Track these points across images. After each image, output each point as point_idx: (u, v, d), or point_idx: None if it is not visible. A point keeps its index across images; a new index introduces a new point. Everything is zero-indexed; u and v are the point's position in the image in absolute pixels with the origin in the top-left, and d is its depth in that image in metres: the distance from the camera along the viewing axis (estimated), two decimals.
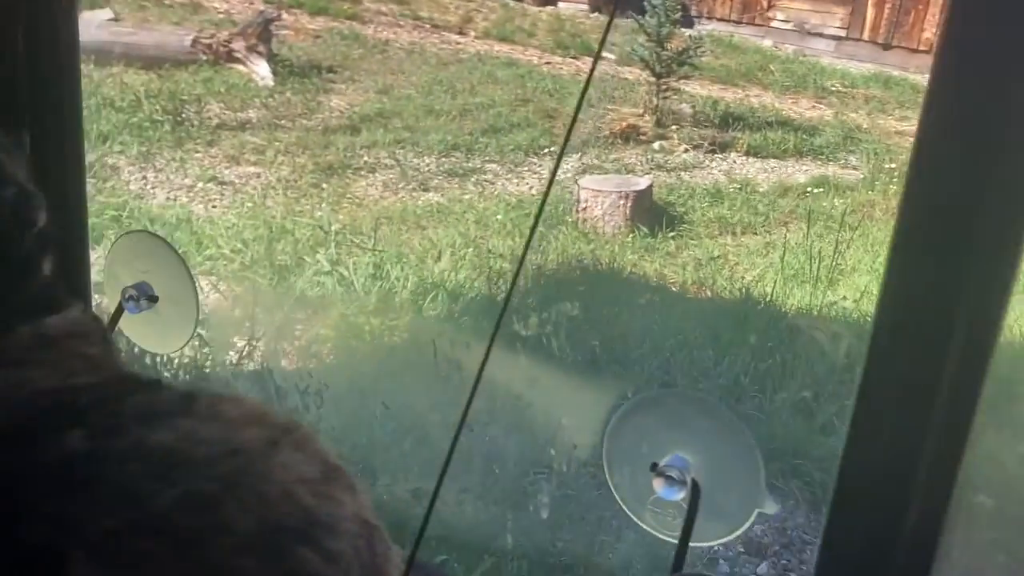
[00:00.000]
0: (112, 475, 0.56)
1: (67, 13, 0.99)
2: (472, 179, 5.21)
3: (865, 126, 6.06)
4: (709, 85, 6.55)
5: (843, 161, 5.72)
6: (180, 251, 3.62)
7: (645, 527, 0.87)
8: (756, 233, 4.89)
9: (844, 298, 3.97)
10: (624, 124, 5.74)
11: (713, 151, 5.62)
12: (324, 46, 6.65)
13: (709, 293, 4.23)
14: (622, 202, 4.79)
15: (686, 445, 0.83)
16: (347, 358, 3.55)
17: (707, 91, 6.43)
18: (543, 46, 7.13)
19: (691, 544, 0.82)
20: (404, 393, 2.48)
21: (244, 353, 3.43)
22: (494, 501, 2.00)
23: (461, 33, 7.20)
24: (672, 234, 4.78)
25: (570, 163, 5.42)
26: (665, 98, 5.87)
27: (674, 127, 5.84)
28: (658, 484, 0.82)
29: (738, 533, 0.82)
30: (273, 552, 0.57)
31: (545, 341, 2.91)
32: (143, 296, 1.04)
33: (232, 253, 3.93)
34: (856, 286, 4.13)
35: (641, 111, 5.92)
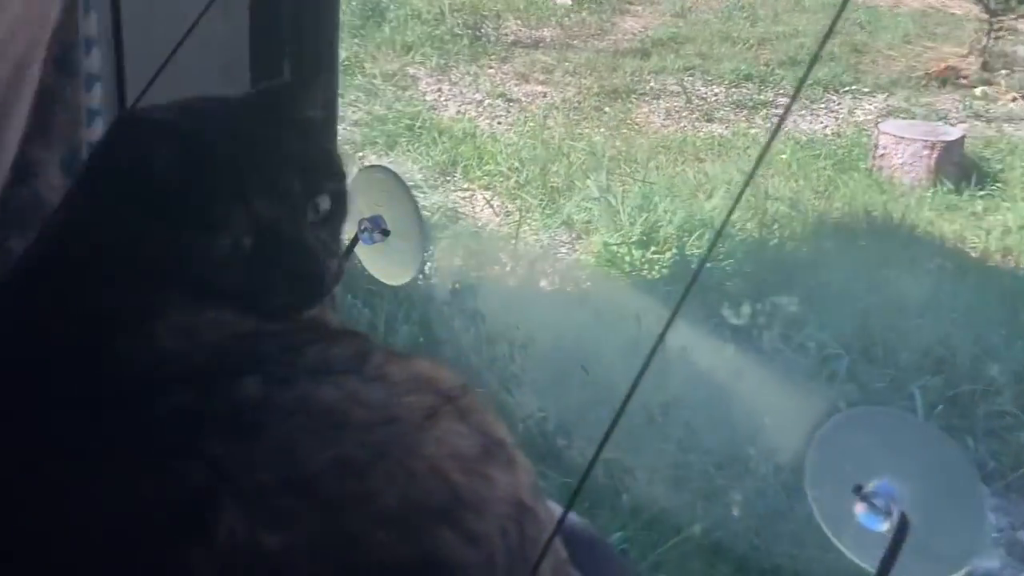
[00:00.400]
0: (275, 427, 0.58)
1: None
2: (761, 113, 4.94)
3: None
4: None
5: None
6: (461, 164, 3.76)
7: (843, 549, 0.78)
8: None
9: None
10: (943, 65, 5.17)
11: None
12: None
13: (1014, 263, 3.77)
14: (927, 152, 4.34)
15: (897, 471, 0.73)
16: (604, 285, 3.55)
17: None
18: None
19: None
20: (608, 358, 2.44)
21: (507, 271, 3.53)
22: (685, 488, 1.93)
23: None
24: (981, 193, 4.27)
25: (873, 104, 4.99)
26: (997, 38, 5.20)
27: (1003, 72, 5.18)
28: (860, 509, 0.73)
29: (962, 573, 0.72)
30: (412, 529, 0.57)
31: (755, 333, 2.73)
32: (376, 229, 1.08)
33: (509, 171, 4.03)
34: None
35: (965, 51, 5.29)
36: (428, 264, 2.91)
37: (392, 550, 0.56)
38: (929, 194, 4.23)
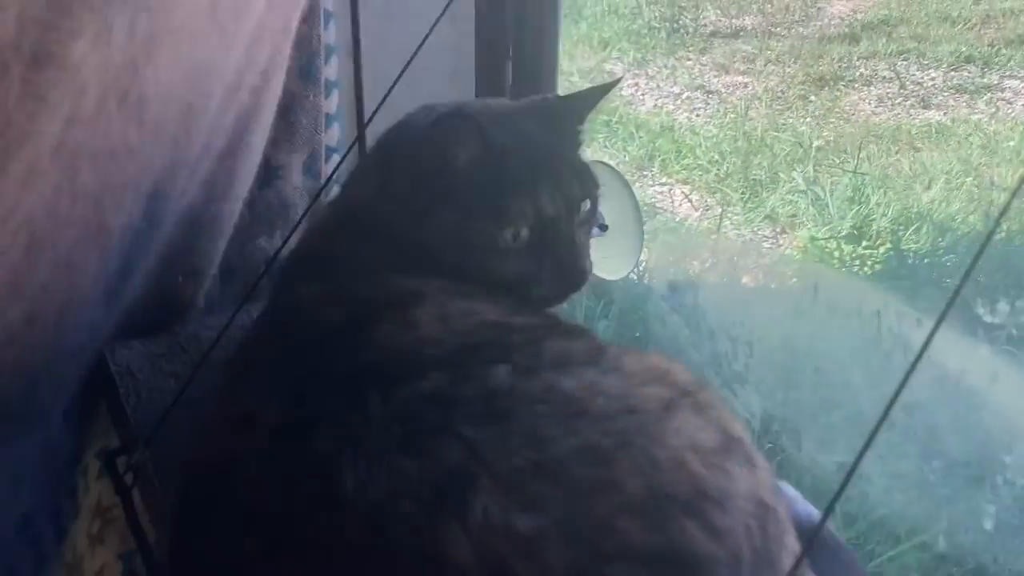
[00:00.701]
0: (524, 415, 0.61)
1: None
2: (985, 97, 4.58)
3: None
4: None
5: None
6: (659, 158, 3.72)
7: None
8: None
9: None
10: None
11: None
12: None
13: None
14: None
15: None
16: (811, 280, 3.41)
17: None
18: None
19: None
20: (841, 359, 2.32)
21: (707, 266, 3.46)
22: (929, 496, 1.80)
23: None
24: None
25: None
26: None
27: None
28: None
29: None
30: (657, 519, 0.57)
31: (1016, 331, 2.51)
32: (596, 224, 1.09)
33: (709, 164, 3.95)
34: None
35: None
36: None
37: (639, 538, 0.56)
38: None
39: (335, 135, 1.08)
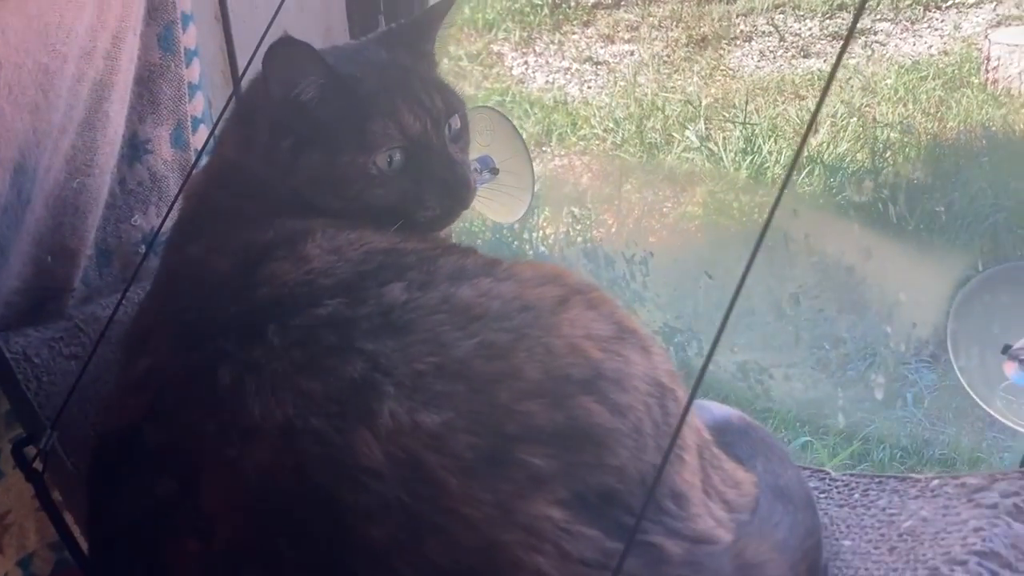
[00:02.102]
0: (421, 324, 0.63)
1: None
2: (860, 41, 4.76)
3: None
4: None
5: None
6: (556, 133, 3.78)
7: (994, 414, 0.77)
8: None
9: None
10: None
11: None
12: None
13: None
14: None
15: None
16: (715, 235, 3.51)
17: None
18: None
19: None
20: (730, 264, 2.41)
21: (613, 232, 3.53)
22: (824, 379, 1.91)
23: None
24: None
25: (980, 15, 4.75)
26: None
27: None
28: (1010, 369, 0.72)
29: None
30: (558, 399, 0.60)
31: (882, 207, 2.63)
32: (486, 168, 1.10)
33: (604, 132, 4.02)
34: None
35: None
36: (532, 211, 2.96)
37: (543, 417, 0.59)
38: None
39: (200, 105, 1.07)
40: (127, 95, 0.98)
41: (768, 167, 3.71)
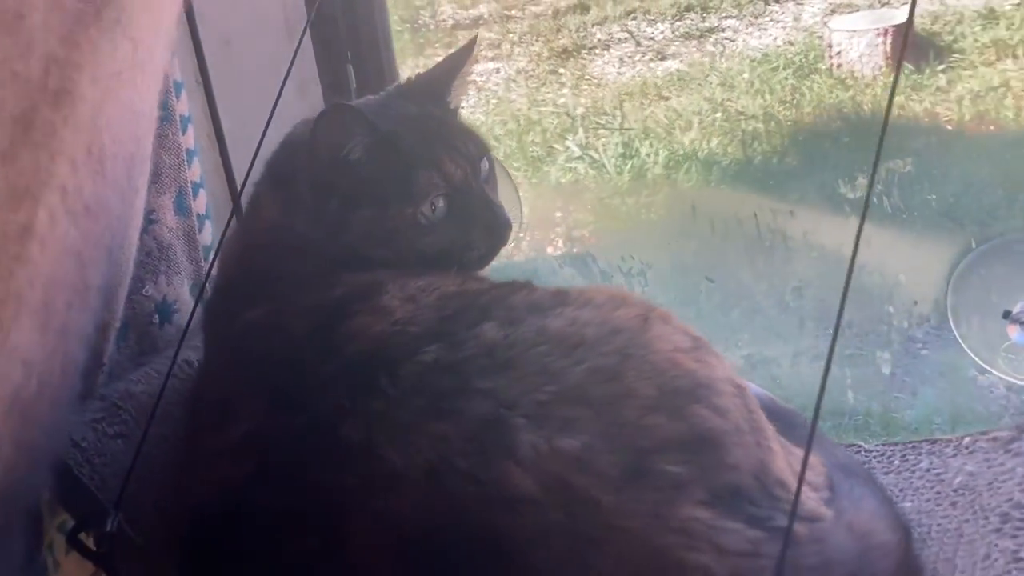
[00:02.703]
0: (527, 358, 0.67)
1: None
2: (711, 39, 5.03)
3: None
4: None
5: None
6: None
7: (998, 373, 0.87)
8: None
9: None
10: None
11: None
12: None
13: (992, 127, 3.89)
14: (880, 40, 4.45)
15: None
16: (607, 240, 3.64)
17: None
18: None
19: None
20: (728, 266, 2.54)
21: (511, 246, 3.60)
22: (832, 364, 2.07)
23: None
24: (941, 67, 4.39)
25: (816, 6, 5.10)
26: None
27: None
28: (1013, 331, 0.82)
29: None
30: (674, 410, 0.65)
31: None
32: None
33: None
34: None
35: None
36: None
37: (667, 429, 0.64)
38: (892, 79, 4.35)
39: (197, 170, 1.07)
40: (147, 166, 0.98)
41: (648, 168, 3.87)
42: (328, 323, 0.74)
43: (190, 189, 1.01)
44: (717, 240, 2.86)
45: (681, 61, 4.81)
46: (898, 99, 4.27)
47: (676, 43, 4.97)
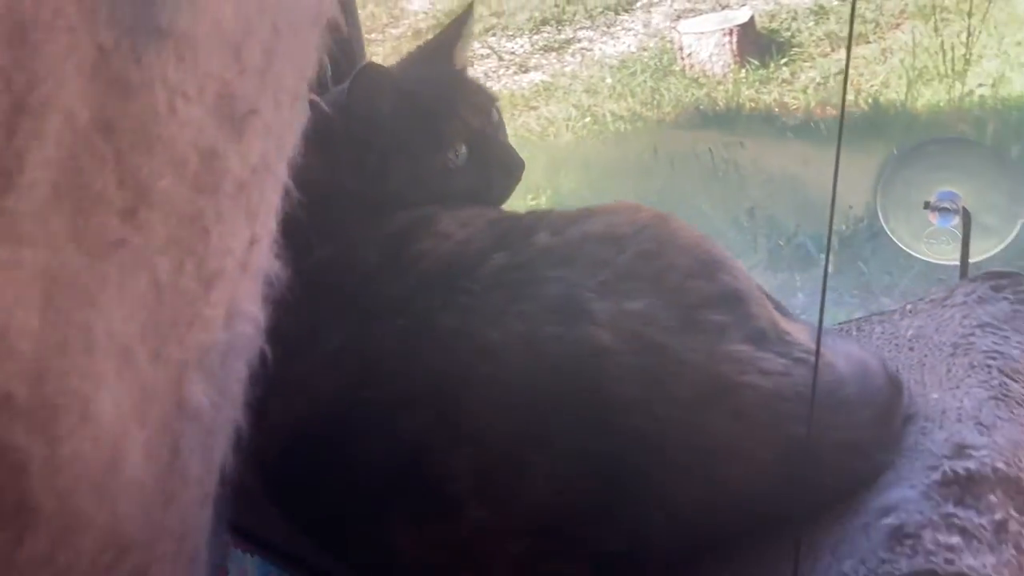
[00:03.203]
0: (580, 253, 0.80)
1: None
2: (569, 50, 5.30)
3: None
4: None
5: None
6: None
7: (921, 256, 1.07)
8: (869, 41, 4.86)
9: (980, 85, 3.99)
10: None
11: None
12: None
13: (833, 111, 4.29)
14: (726, 39, 4.81)
15: (952, 182, 1.02)
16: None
17: None
18: None
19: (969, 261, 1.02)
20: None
21: None
22: (782, 269, 2.33)
23: None
24: (784, 60, 4.80)
25: (662, 11, 5.46)
26: None
27: None
28: (933, 217, 1.02)
29: (1007, 243, 1.02)
30: (708, 275, 0.81)
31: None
32: None
33: None
34: (987, 72, 4.12)
35: None
36: None
37: (706, 289, 0.79)
38: (742, 75, 4.72)
39: None
40: None
41: (528, 173, 4.06)
42: (395, 251, 0.85)
43: None
44: None
45: (544, 72, 5.06)
46: (749, 92, 4.64)
47: (536, 56, 5.21)
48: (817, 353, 0.70)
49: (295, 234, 0.92)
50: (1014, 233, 0.99)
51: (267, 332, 0.88)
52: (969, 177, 1.01)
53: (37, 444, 0.49)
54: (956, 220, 1.01)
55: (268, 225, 0.74)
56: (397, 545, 0.77)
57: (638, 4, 5.51)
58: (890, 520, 0.66)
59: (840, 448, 0.74)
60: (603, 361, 0.73)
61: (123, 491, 0.58)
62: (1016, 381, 0.78)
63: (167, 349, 0.61)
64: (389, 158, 0.94)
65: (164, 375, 0.62)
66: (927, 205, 1.02)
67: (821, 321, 0.73)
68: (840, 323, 1.03)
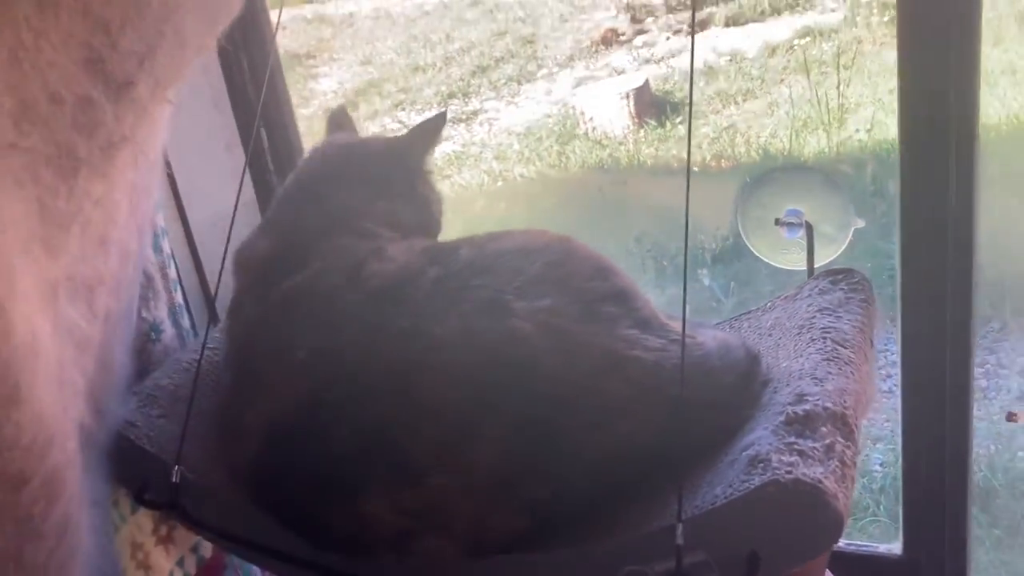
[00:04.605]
0: (497, 265, 0.99)
1: None
2: (477, 120, 5.57)
3: None
4: None
5: (820, 7, 6.06)
6: None
7: (775, 263, 1.30)
8: (757, 97, 5.26)
9: (857, 130, 4.37)
10: (602, 30, 6.08)
11: (693, 32, 5.96)
12: (294, 35, 6.98)
13: (729, 163, 4.63)
14: (624, 102, 5.16)
15: (798, 201, 1.25)
16: None
17: None
18: None
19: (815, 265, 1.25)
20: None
21: None
22: (665, 286, 2.59)
23: None
24: (679, 119, 5.16)
25: (562, 80, 5.79)
26: None
27: (650, 19, 6.18)
28: (783, 230, 1.25)
29: (843, 248, 1.25)
30: (603, 278, 1.01)
31: None
32: None
33: None
34: (864, 119, 4.53)
35: (614, 13, 6.26)
36: None
37: (602, 288, 0.98)
38: (642, 134, 5.05)
39: (161, 217, 1.29)
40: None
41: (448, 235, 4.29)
42: (355, 273, 1.03)
43: (160, 232, 1.23)
44: None
45: (454, 142, 5.32)
46: (649, 150, 4.96)
47: (446, 127, 5.48)
48: (683, 333, 0.91)
49: (268, 273, 1.11)
50: (847, 239, 1.23)
51: (240, 350, 1.06)
52: (809, 196, 1.25)
53: None
54: (801, 232, 1.24)
55: (135, 195, 0.91)
56: (372, 516, 0.93)
57: (539, 74, 5.85)
58: (748, 452, 0.87)
59: (708, 406, 0.95)
60: (525, 346, 0.93)
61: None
62: (845, 347, 1.00)
63: (42, 263, 0.81)
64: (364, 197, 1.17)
65: (39, 288, 0.81)
66: (777, 221, 1.25)
67: (684, 307, 0.94)
68: (717, 322, 1.25)
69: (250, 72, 1.36)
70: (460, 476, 0.91)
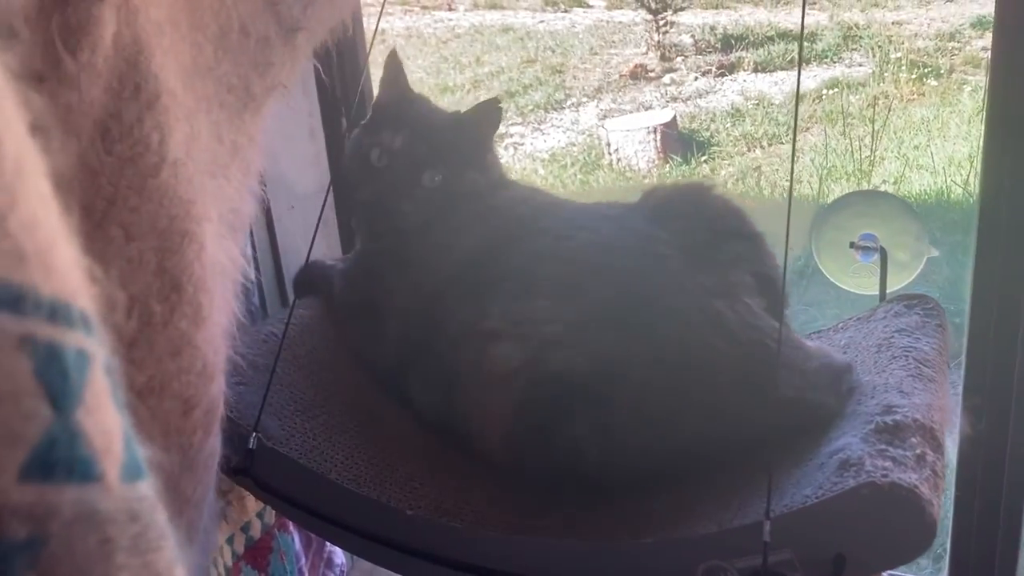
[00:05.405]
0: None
1: None
2: (502, 144, 5.61)
3: (862, 23, 6.48)
4: (703, 12, 6.95)
5: (848, 60, 6.14)
6: None
7: (847, 287, 1.32)
8: (783, 142, 5.33)
9: (884, 182, 4.42)
10: (632, 65, 6.15)
11: (722, 74, 6.04)
12: None
13: (753, 203, 4.67)
14: (650, 137, 5.22)
15: (872, 226, 1.27)
16: None
17: (702, 19, 6.84)
18: (532, 7, 7.53)
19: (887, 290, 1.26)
20: None
21: None
22: None
23: (450, 9, 7.61)
24: (704, 157, 5.20)
25: (590, 111, 5.84)
26: (665, 33, 6.27)
27: (679, 58, 6.26)
28: (856, 255, 1.27)
29: (915, 275, 1.27)
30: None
31: None
32: None
33: None
34: (890, 172, 4.58)
35: (644, 50, 6.33)
36: None
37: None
38: (666, 169, 5.10)
39: None
40: None
41: None
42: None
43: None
44: None
45: None
46: None
47: None
48: (780, 330, 0.94)
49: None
50: (921, 267, 1.25)
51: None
52: (884, 222, 1.27)
53: None
54: (875, 257, 1.26)
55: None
56: (463, 371, 1.04)
57: (567, 103, 5.91)
58: (838, 456, 0.88)
59: (803, 404, 0.97)
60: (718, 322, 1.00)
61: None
62: (927, 366, 1.02)
63: (222, 191, 0.83)
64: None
65: (218, 214, 0.83)
66: (852, 245, 1.27)
67: (782, 311, 0.97)
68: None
69: (337, 61, 1.38)
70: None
